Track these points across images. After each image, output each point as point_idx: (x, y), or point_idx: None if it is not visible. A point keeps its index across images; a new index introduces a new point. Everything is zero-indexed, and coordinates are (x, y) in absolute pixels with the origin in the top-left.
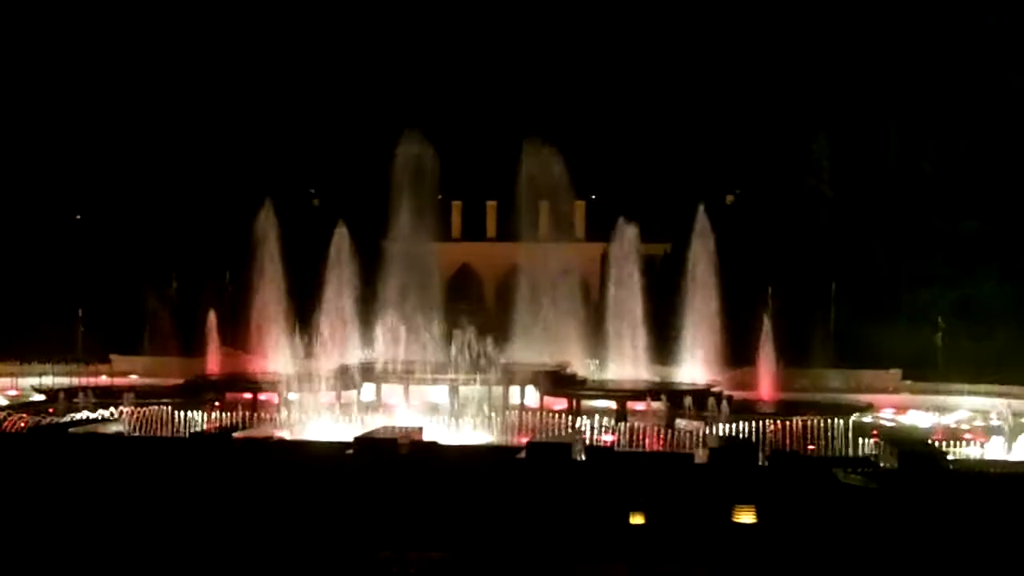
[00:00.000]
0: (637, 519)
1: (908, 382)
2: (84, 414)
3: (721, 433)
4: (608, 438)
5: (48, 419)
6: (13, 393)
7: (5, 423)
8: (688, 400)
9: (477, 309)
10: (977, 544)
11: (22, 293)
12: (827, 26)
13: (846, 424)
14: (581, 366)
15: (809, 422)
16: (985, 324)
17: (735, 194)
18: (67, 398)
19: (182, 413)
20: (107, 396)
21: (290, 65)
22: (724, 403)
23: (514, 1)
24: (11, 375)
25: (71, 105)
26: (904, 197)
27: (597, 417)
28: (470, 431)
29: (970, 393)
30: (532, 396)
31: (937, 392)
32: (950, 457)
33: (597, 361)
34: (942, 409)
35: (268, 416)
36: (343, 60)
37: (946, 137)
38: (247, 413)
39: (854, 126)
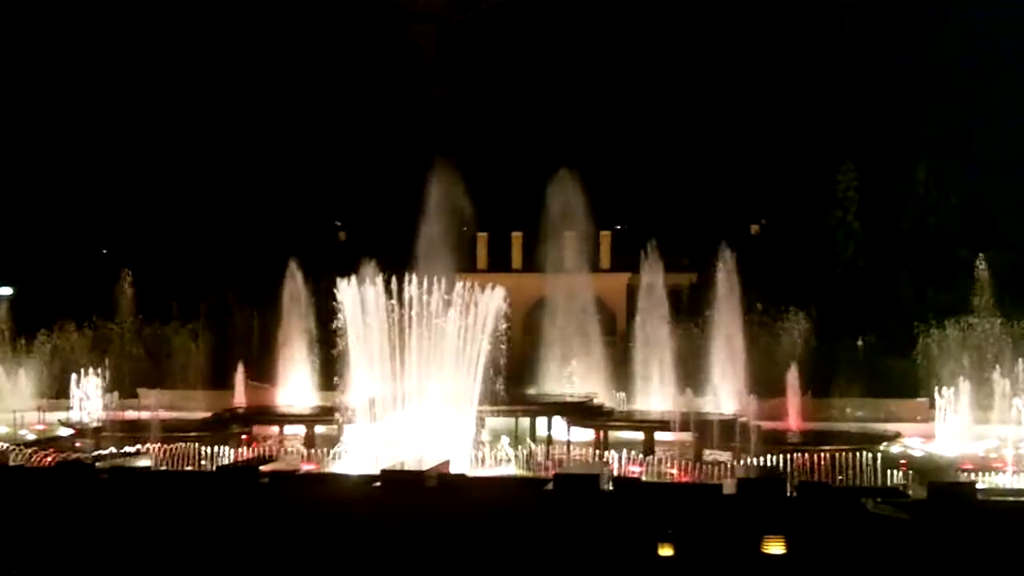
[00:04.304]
0: (666, 551)
1: (936, 411)
2: (111, 449)
3: (749, 464)
4: (636, 469)
5: (75, 454)
6: (40, 428)
7: (33, 458)
8: (716, 431)
9: (503, 340)
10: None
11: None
12: (854, 58)
13: (874, 454)
14: (608, 397)
15: (837, 452)
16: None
17: (760, 224)
18: (95, 433)
19: (209, 448)
20: (134, 430)
21: (314, 99)
22: (752, 433)
23: (540, 33)
24: (39, 410)
25: (102, 145)
26: (930, 227)
27: (624, 448)
28: (497, 463)
29: (999, 421)
30: (559, 428)
31: (964, 421)
32: (979, 486)
33: (623, 394)
34: (972, 437)
35: (295, 449)
36: (369, 93)
37: (968, 169)
38: (274, 446)
39: (881, 157)
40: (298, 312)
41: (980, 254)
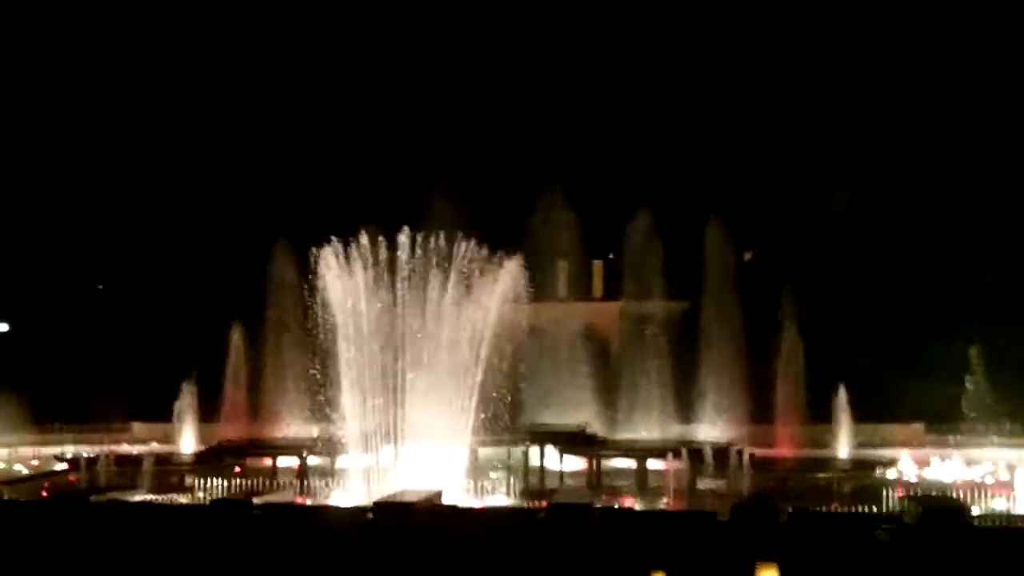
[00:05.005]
0: None
1: (931, 436)
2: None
3: (742, 490)
4: (629, 503)
5: (70, 487)
6: (35, 463)
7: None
8: (708, 457)
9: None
10: None
11: (44, 361)
12: (847, 80)
13: (869, 480)
14: (601, 426)
15: (831, 478)
16: (1010, 374)
17: (753, 251)
18: (88, 467)
19: (202, 480)
20: (128, 464)
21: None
22: (745, 460)
23: (527, 56)
24: (33, 444)
25: (96, 173)
26: (926, 248)
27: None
28: (490, 493)
29: (996, 445)
30: (552, 457)
31: (961, 445)
32: (975, 511)
33: (618, 429)
34: (967, 462)
35: (288, 481)
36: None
37: (967, 188)
38: (267, 479)
39: (874, 177)
40: (291, 344)
41: None
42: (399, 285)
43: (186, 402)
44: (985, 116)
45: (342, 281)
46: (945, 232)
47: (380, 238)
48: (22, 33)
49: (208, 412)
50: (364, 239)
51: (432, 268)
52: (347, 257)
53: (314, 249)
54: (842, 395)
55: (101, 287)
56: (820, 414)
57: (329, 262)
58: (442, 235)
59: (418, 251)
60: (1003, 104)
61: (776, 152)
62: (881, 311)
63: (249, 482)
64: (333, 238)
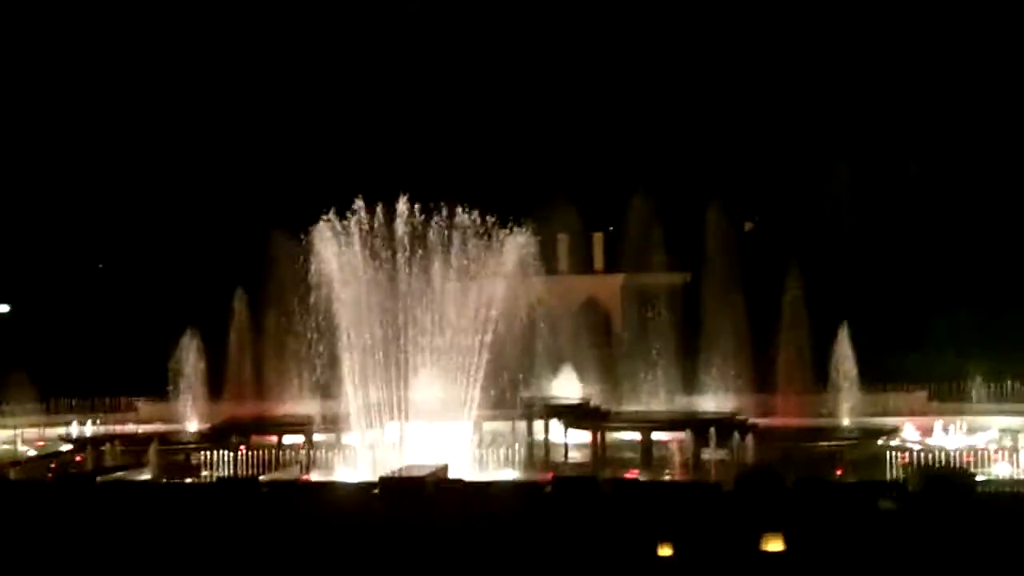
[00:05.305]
0: (665, 550)
1: (934, 403)
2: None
3: (747, 460)
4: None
5: (76, 468)
6: (41, 444)
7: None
8: (713, 429)
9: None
10: (1008, 567)
11: (49, 339)
12: (850, 54)
13: (873, 448)
14: (605, 398)
15: (835, 447)
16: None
17: (754, 221)
18: (94, 447)
19: (210, 454)
20: (134, 444)
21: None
22: (749, 431)
23: (533, 33)
24: (37, 425)
25: (95, 155)
26: (926, 220)
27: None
28: (495, 467)
29: (998, 413)
30: (557, 430)
31: (964, 413)
32: (979, 478)
33: (622, 402)
34: (970, 429)
35: (295, 458)
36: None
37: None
38: (274, 456)
39: (876, 149)
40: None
41: None
42: (399, 257)
43: (190, 380)
44: (984, 92)
45: (340, 256)
46: (945, 205)
47: (378, 208)
48: (23, 24)
49: (213, 390)
50: (361, 209)
51: (433, 239)
52: (345, 230)
53: (312, 226)
54: (845, 362)
55: (101, 266)
56: (822, 383)
57: (324, 235)
58: (443, 206)
59: (418, 220)
60: (1002, 81)
61: (777, 124)
62: (883, 281)
63: (256, 457)
64: (331, 211)
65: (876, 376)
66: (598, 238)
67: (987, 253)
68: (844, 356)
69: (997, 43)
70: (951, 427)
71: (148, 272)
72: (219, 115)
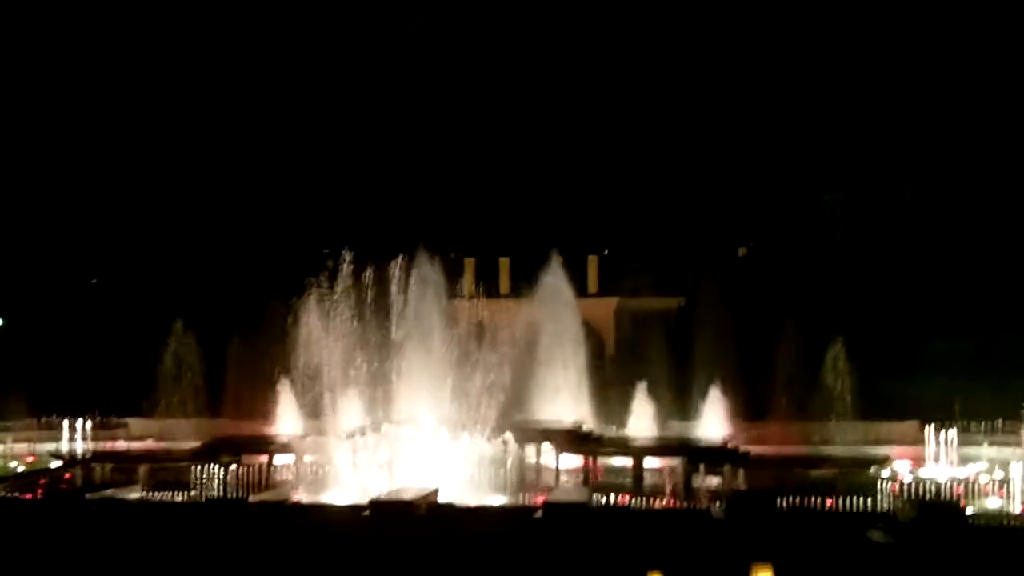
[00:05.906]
0: None
1: (925, 432)
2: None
3: (739, 487)
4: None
5: (65, 485)
6: (31, 460)
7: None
8: (704, 456)
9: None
10: None
11: (41, 355)
12: (842, 79)
13: (863, 478)
14: (596, 423)
15: (826, 476)
16: (1003, 374)
17: (748, 247)
18: (84, 464)
19: (200, 470)
20: (124, 461)
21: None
22: (741, 458)
23: (525, 51)
24: (28, 440)
25: (98, 173)
26: (920, 247)
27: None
28: (486, 491)
29: (990, 444)
30: (549, 454)
31: (954, 443)
32: (969, 510)
33: (614, 427)
34: (961, 460)
35: (284, 479)
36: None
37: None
38: (264, 476)
39: (868, 176)
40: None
41: None
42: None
43: (183, 399)
44: (978, 113)
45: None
46: (939, 230)
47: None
48: (22, 32)
49: (204, 408)
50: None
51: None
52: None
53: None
54: (836, 389)
55: (95, 282)
56: (815, 411)
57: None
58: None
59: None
60: (997, 102)
61: (771, 149)
62: (876, 307)
63: (246, 476)
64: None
65: (868, 404)
66: (592, 261)
67: (980, 280)
68: (836, 384)
69: (987, 68)
70: (941, 457)
71: (141, 288)
72: (212, 135)
